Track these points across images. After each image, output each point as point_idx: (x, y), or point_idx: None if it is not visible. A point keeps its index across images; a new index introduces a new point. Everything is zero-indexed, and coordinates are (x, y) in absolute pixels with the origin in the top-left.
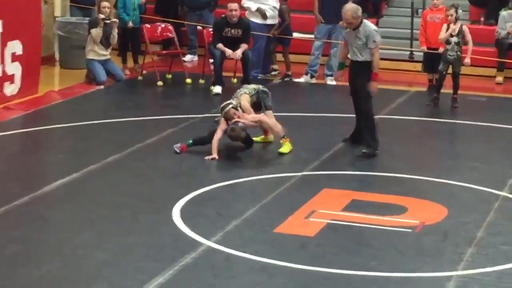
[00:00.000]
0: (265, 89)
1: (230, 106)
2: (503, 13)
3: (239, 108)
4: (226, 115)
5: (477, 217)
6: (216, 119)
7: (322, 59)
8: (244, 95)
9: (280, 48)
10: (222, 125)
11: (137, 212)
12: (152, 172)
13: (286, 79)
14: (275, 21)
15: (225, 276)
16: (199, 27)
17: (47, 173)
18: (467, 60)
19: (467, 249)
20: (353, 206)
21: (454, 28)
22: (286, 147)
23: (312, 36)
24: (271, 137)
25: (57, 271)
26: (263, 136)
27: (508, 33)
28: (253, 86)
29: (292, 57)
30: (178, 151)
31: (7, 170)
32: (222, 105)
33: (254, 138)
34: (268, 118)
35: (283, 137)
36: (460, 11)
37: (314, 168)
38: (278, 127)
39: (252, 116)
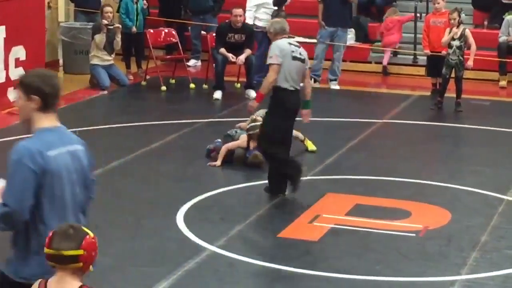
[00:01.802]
0: None
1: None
2: (508, 17)
3: None
4: (255, 129)
5: (481, 221)
6: (230, 132)
7: (325, 64)
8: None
9: None
10: (242, 142)
11: (141, 217)
12: (156, 177)
13: None
14: None
15: (229, 281)
16: (202, 32)
17: None
18: (470, 63)
19: (471, 253)
20: (357, 210)
21: (456, 31)
22: (310, 145)
23: (313, 40)
24: None
25: None
26: (308, 142)
27: (508, 41)
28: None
29: None
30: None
31: None
32: (252, 124)
33: (309, 149)
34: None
35: (304, 139)
36: (463, 15)
37: (317, 172)
38: (299, 135)
39: None
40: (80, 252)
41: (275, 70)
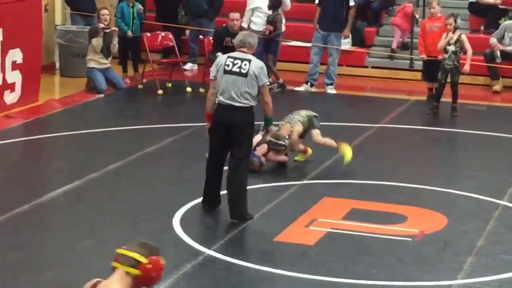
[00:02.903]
0: (316, 114)
1: (283, 148)
2: (506, 22)
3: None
4: (274, 147)
5: (477, 226)
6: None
7: (321, 68)
8: (298, 124)
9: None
10: (262, 149)
11: (137, 220)
12: (153, 180)
13: (280, 88)
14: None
15: (225, 285)
16: (200, 36)
17: (48, 181)
18: (466, 68)
19: (467, 258)
20: (353, 214)
21: (452, 36)
22: (347, 153)
23: (306, 44)
24: (309, 152)
25: (57, 279)
26: (301, 154)
27: (496, 48)
28: (306, 113)
29: (291, 66)
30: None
31: (8, 178)
32: (278, 140)
33: (295, 158)
34: (315, 136)
35: (338, 146)
36: (459, 20)
37: (314, 176)
38: (328, 142)
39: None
40: (145, 260)
41: (211, 85)
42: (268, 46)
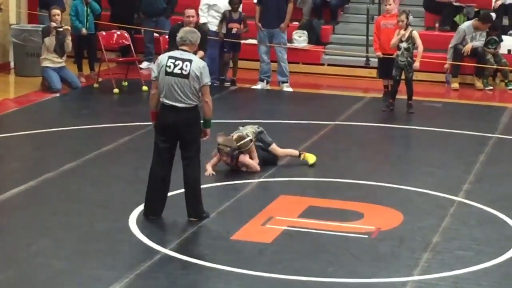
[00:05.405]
0: (260, 128)
1: (249, 138)
2: (462, 26)
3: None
4: (243, 145)
5: (433, 222)
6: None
7: (273, 66)
8: (253, 147)
9: (230, 55)
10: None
11: (93, 220)
12: (109, 180)
13: (228, 83)
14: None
15: (182, 284)
16: (155, 34)
17: (2, 181)
18: (416, 64)
19: (422, 254)
20: (310, 212)
21: (404, 33)
22: (310, 158)
23: (253, 41)
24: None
25: (13, 280)
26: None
27: (466, 50)
28: (252, 129)
29: (248, 64)
30: None
31: None
32: (238, 134)
33: (310, 163)
34: (275, 151)
35: (300, 155)
36: (411, 17)
37: (270, 174)
38: (288, 152)
39: (255, 163)
40: None
41: (153, 85)
42: (232, 44)
